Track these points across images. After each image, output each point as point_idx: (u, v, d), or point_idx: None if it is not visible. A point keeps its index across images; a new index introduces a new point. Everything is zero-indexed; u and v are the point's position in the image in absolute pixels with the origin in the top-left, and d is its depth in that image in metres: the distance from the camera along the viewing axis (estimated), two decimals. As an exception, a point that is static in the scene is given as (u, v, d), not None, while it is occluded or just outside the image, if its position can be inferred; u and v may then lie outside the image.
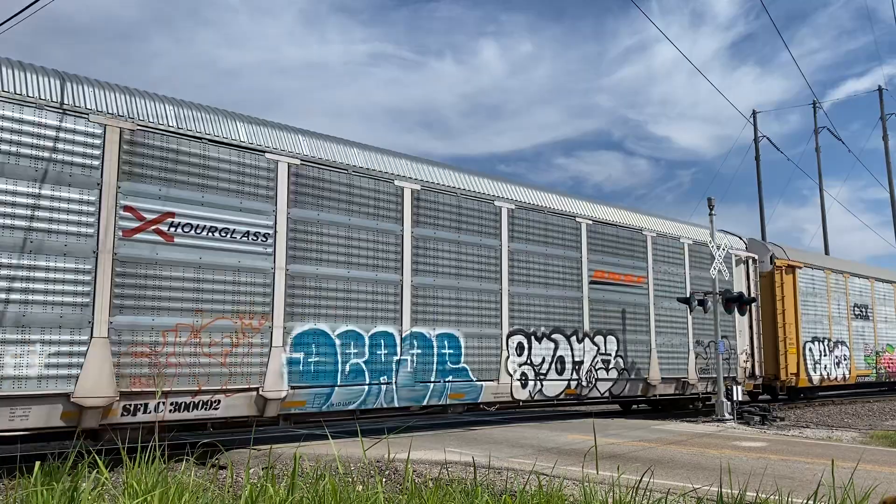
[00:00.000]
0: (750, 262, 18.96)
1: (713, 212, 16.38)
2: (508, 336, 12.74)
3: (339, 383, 10.52)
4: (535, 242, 13.59)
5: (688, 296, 16.09)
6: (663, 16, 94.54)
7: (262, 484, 5.02)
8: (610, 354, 14.67)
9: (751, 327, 18.84)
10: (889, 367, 24.90)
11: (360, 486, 5.59)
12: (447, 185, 12.30)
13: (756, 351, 18.91)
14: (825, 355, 21.49)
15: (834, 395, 25.03)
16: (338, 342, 10.56)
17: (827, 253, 36.32)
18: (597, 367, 14.32)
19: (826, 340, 21.69)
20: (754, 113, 38.78)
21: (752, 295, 18.41)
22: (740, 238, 19.46)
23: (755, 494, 5.65)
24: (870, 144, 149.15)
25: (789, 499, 5.32)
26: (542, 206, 13.83)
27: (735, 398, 15.29)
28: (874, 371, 24.03)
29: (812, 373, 20.73)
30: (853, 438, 12.72)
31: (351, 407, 10.70)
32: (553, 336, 13.58)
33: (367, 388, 10.78)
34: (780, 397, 21.56)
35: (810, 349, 20.67)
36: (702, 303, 15.77)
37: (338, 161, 10.83)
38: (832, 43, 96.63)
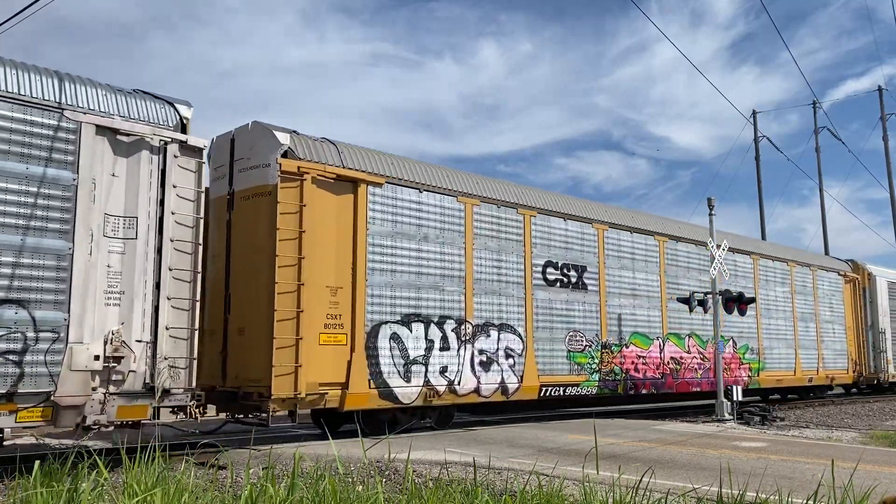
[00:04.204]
0: (172, 153, 8.81)
1: (713, 212, 16.40)
2: None
3: None
4: None
5: (687, 296, 15.96)
6: (663, 15, 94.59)
7: (262, 484, 5.02)
8: None
9: (158, 286, 8.54)
10: (634, 370, 15.60)
11: (360, 487, 5.59)
12: None
13: (165, 337, 8.53)
14: (447, 350, 12.15)
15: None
16: None
17: (827, 254, 34.85)
18: None
19: (451, 322, 12.27)
20: (754, 113, 38.80)
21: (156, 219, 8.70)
22: (172, 105, 9.12)
23: (755, 494, 5.65)
24: (870, 144, 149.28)
25: (789, 499, 5.32)
26: None
27: (735, 398, 15.25)
28: (596, 377, 14.70)
29: (396, 381, 11.33)
30: (853, 438, 12.71)
31: None
32: None
33: None
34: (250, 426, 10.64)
35: (395, 337, 11.47)
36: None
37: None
38: (832, 43, 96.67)
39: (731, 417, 15.02)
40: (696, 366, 17.14)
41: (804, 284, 21.60)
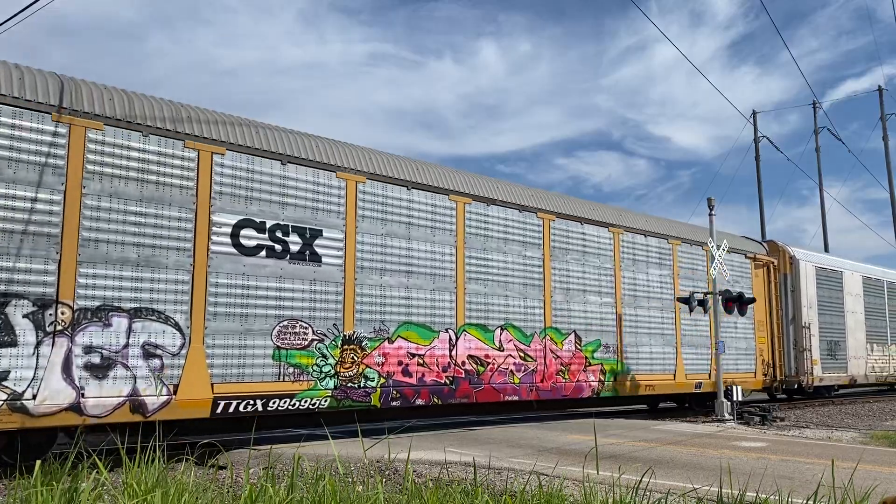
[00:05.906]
0: None
1: (713, 212, 16.39)
2: None
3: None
4: None
5: (687, 296, 15.95)
6: (662, 15, 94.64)
7: (261, 484, 5.02)
8: None
9: None
10: (403, 373, 11.30)
11: (360, 487, 5.59)
12: None
13: None
14: (11, 346, 7.87)
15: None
16: None
17: (826, 251, 34.70)
18: None
19: (24, 303, 8.02)
20: (754, 113, 38.79)
21: None
22: None
23: (755, 494, 5.65)
24: (870, 144, 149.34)
25: (789, 499, 5.32)
26: None
27: (735, 398, 15.26)
28: (330, 383, 10.44)
29: None
30: (853, 438, 12.71)
31: None
32: None
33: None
34: None
35: None
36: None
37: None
38: (831, 43, 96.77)
39: (731, 417, 15.03)
40: (511, 367, 12.85)
41: (692, 267, 17.17)
